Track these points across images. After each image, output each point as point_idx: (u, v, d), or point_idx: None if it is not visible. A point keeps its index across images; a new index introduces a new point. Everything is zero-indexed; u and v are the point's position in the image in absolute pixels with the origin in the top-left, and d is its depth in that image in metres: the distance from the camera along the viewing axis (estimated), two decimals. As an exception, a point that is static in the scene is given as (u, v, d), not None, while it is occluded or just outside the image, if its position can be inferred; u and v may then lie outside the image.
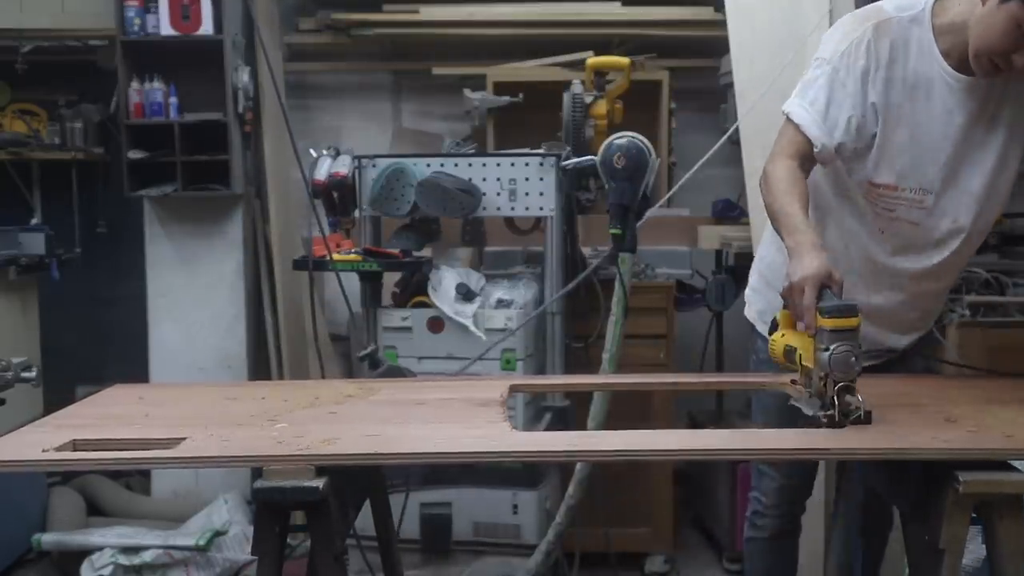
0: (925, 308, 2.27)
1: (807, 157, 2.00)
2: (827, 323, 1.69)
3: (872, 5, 2.07)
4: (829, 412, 1.70)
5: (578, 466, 2.91)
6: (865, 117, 1.99)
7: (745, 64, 3.43)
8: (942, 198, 2.06)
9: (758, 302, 2.33)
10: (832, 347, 1.68)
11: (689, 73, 4.19)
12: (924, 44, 1.98)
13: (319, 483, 1.57)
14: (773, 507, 2.38)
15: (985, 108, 2.00)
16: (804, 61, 3.34)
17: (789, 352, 1.83)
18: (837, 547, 2.37)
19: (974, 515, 1.67)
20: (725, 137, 3.37)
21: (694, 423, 3.97)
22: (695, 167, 3.28)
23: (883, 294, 2.15)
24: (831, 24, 3.35)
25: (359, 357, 3.01)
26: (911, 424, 1.76)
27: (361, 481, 2.10)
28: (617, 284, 3.02)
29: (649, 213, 3.24)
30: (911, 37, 1.98)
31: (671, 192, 3.62)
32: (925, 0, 1.99)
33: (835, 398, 1.70)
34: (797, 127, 2.00)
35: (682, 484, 3.91)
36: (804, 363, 1.78)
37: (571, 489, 2.88)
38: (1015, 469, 1.62)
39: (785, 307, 1.84)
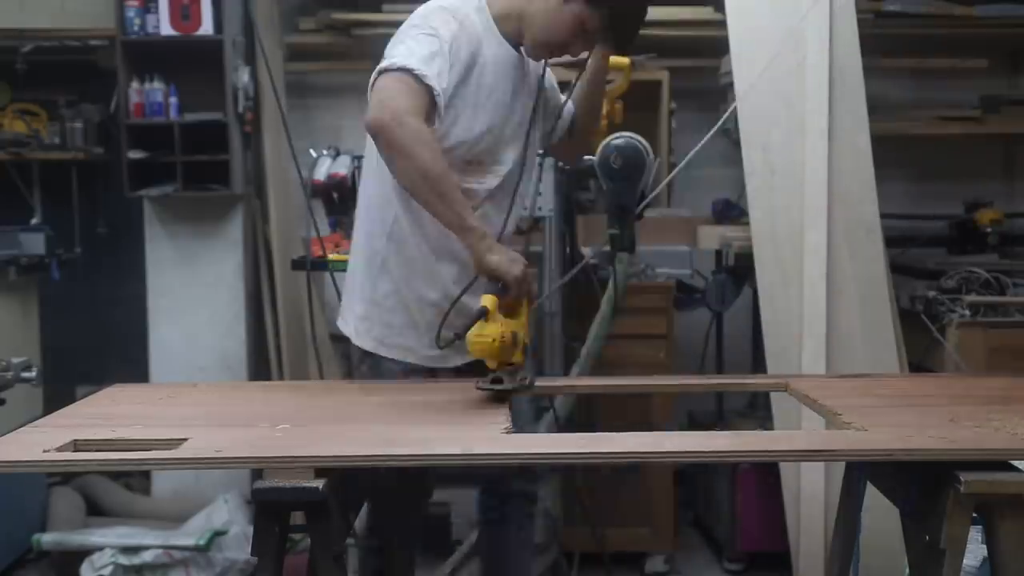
0: None
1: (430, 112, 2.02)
2: None
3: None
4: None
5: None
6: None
7: (744, 64, 3.43)
8: None
9: (374, 328, 2.23)
10: None
11: (689, 73, 4.18)
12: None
13: (319, 484, 1.56)
14: None
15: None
16: (802, 59, 3.36)
17: (514, 338, 1.92)
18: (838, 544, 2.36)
19: (975, 515, 1.68)
20: (714, 129, 3.37)
21: (695, 423, 3.98)
22: (681, 164, 3.28)
23: None
24: (832, 24, 3.38)
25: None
26: (914, 424, 1.77)
27: (361, 482, 2.10)
28: (610, 283, 3.02)
29: (648, 213, 3.25)
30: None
31: (655, 192, 3.61)
32: None
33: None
34: (414, 76, 1.96)
35: (683, 484, 3.90)
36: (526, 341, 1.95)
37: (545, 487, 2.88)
38: (1016, 469, 1.63)
39: (499, 297, 1.94)
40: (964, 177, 4.48)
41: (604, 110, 3.54)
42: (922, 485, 1.72)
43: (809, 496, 3.11)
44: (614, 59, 3.68)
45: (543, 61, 2.23)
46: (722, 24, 3.54)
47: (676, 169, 3.35)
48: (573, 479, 3.28)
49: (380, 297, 2.20)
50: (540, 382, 2.09)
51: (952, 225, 4.24)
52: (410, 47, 2.00)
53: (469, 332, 1.89)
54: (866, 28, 3.58)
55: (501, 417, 1.79)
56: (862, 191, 3.35)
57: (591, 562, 3.35)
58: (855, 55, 3.41)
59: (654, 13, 3.99)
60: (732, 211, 3.86)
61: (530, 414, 3.06)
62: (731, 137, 3.59)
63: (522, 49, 2.19)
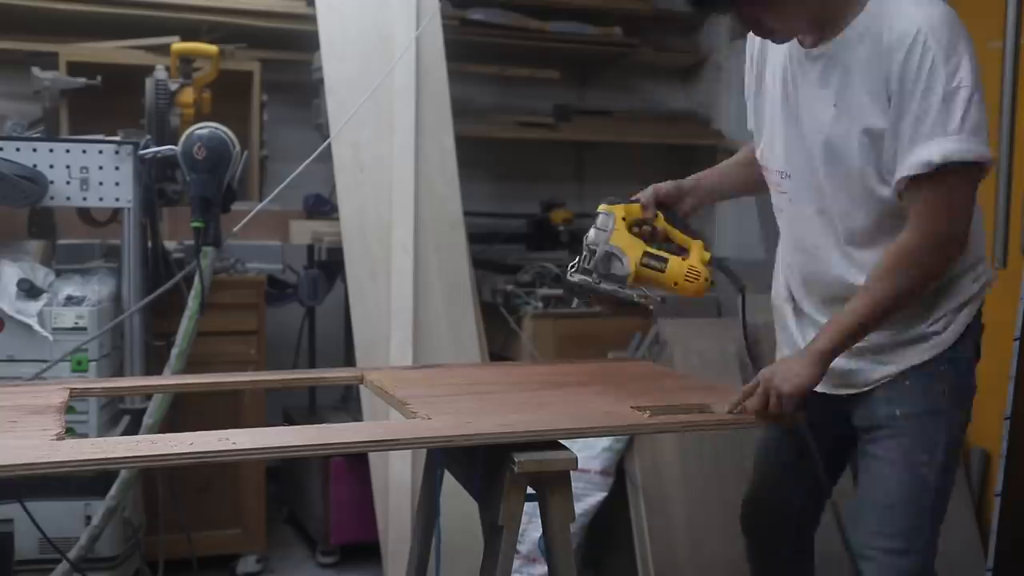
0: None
1: None
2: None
3: None
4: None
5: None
6: None
7: (335, 61, 3.46)
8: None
9: None
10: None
11: (282, 65, 4.14)
12: None
13: None
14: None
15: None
16: (392, 60, 3.45)
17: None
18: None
19: (532, 493, 1.81)
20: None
21: (289, 419, 3.95)
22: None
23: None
24: (418, 26, 3.50)
25: None
26: (476, 411, 1.87)
27: None
28: (197, 278, 2.92)
29: (239, 207, 3.17)
30: None
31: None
32: None
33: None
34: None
35: (276, 481, 3.87)
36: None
37: (113, 491, 2.74)
38: (564, 448, 1.78)
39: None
40: (541, 179, 4.83)
41: (191, 98, 3.44)
42: (486, 469, 1.83)
43: (397, 485, 3.20)
44: (201, 46, 3.61)
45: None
46: (314, 19, 3.54)
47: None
48: (155, 484, 3.12)
49: None
50: (104, 384, 1.96)
51: (530, 223, 4.56)
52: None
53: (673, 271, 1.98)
54: (452, 34, 3.75)
55: (56, 423, 1.66)
56: (447, 189, 3.51)
57: (179, 569, 3.21)
58: (440, 58, 3.56)
59: (246, 3, 3.93)
60: (324, 206, 3.87)
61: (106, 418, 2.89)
62: (323, 132, 3.60)
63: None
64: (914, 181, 1.74)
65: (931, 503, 1.88)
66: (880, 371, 1.91)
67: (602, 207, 2.02)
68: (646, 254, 1.99)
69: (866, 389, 1.94)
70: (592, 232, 1.99)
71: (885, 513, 1.88)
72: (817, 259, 1.96)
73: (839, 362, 1.88)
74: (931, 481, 1.87)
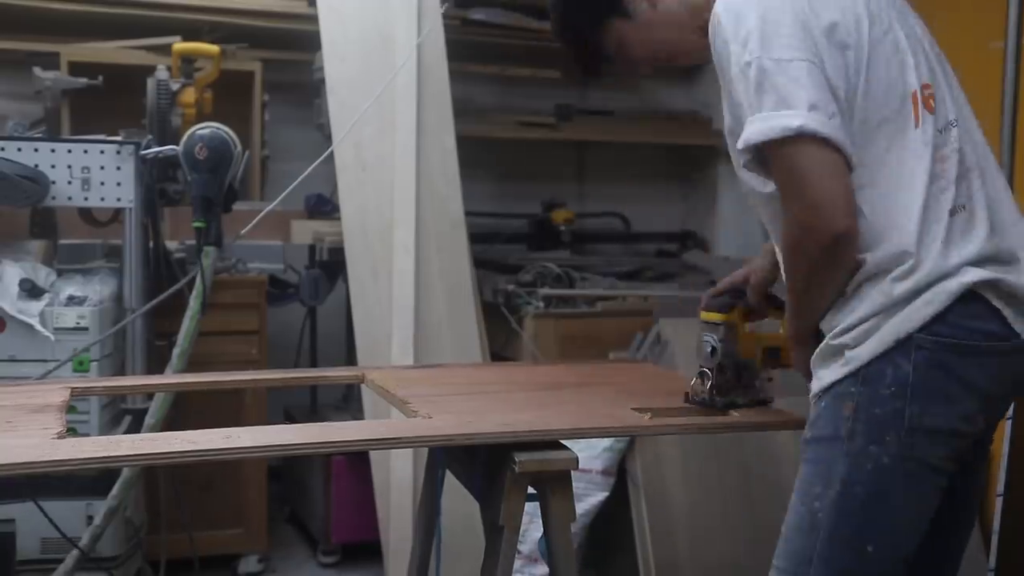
0: None
1: None
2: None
3: None
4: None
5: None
6: None
7: (336, 61, 3.47)
8: None
9: None
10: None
11: (283, 65, 4.14)
12: None
13: None
14: None
15: None
16: (393, 59, 3.45)
17: None
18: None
19: (534, 492, 1.81)
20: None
21: (291, 418, 3.95)
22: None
23: None
24: (419, 26, 3.50)
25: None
26: (477, 410, 1.87)
27: None
28: (198, 278, 2.93)
29: (240, 207, 3.18)
30: None
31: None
32: None
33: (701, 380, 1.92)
34: None
35: (278, 480, 3.87)
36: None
37: (115, 490, 2.74)
38: (565, 448, 1.78)
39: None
40: (542, 179, 4.83)
41: (192, 98, 3.45)
42: (487, 468, 1.84)
43: (399, 485, 3.20)
44: (203, 46, 3.61)
45: None
46: (316, 19, 3.54)
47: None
48: (157, 483, 3.13)
49: None
50: (105, 383, 1.96)
51: (531, 223, 4.57)
52: None
53: None
54: (453, 34, 3.76)
55: (57, 422, 1.66)
56: (448, 189, 3.51)
57: (180, 569, 3.22)
58: (441, 58, 3.56)
59: (247, 3, 3.94)
60: (325, 206, 3.87)
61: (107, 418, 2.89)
62: (324, 132, 3.61)
63: None
64: (753, 169, 1.61)
65: (819, 545, 1.57)
66: (812, 388, 1.67)
67: (716, 316, 1.90)
68: (765, 352, 1.93)
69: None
70: (720, 346, 1.88)
71: (780, 543, 1.65)
72: None
73: None
74: (821, 519, 1.57)
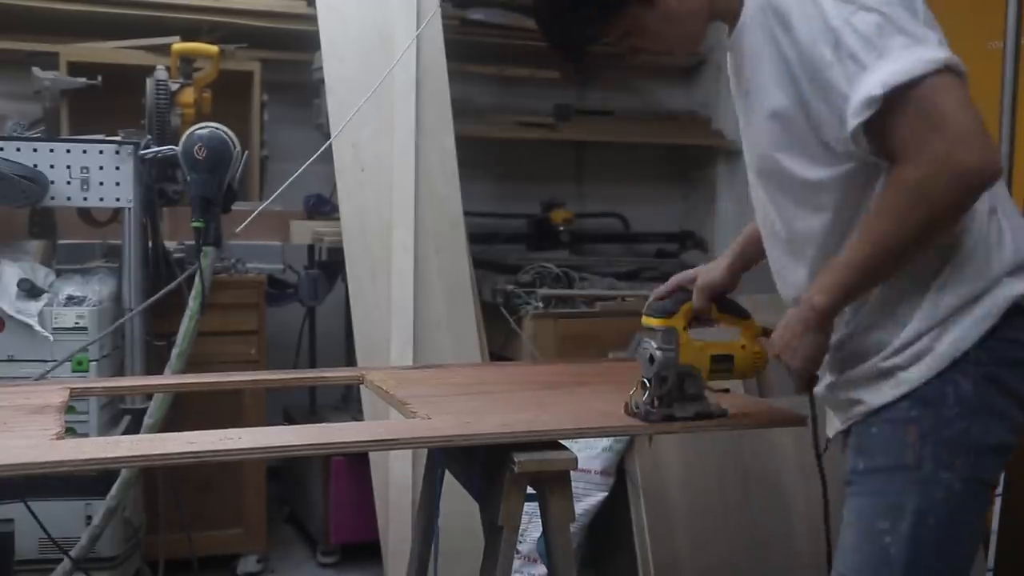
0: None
1: None
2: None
3: None
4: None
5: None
6: None
7: (335, 61, 3.46)
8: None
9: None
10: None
11: (282, 65, 4.14)
12: None
13: None
14: None
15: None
16: (392, 59, 3.45)
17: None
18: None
19: (533, 493, 1.81)
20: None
21: (290, 419, 3.95)
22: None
23: None
24: (418, 27, 3.50)
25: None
26: (476, 411, 1.87)
27: None
28: (197, 278, 2.93)
29: (239, 207, 3.17)
30: None
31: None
32: None
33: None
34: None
35: (277, 480, 3.87)
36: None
37: (113, 491, 2.74)
38: (564, 448, 1.78)
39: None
40: (541, 179, 4.83)
41: (192, 98, 3.45)
42: (486, 468, 1.83)
43: (398, 485, 3.20)
44: (202, 46, 3.61)
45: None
46: (315, 19, 3.54)
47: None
48: (155, 483, 3.13)
49: None
50: (104, 383, 1.96)
51: (530, 223, 4.56)
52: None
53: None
54: (452, 34, 3.76)
55: (56, 423, 1.66)
56: (447, 189, 3.51)
57: (179, 569, 3.22)
58: (440, 58, 3.56)
59: (245, 3, 3.94)
60: (324, 206, 3.87)
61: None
62: (323, 132, 3.60)
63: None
64: (874, 124, 1.41)
65: None
66: (855, 410, 1.58)
67: (656, 321, 1.79)
68: (713, 360, 1.80)
69: (844, 427, 1.63)
70: (659, 354, 1.76)
71: None
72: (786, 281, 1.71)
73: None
74: (894, 555, 1.47)
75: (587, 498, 3.02)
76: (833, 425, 1.69)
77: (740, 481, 3.01)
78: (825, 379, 1.65)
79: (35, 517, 2.59)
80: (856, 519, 1.53)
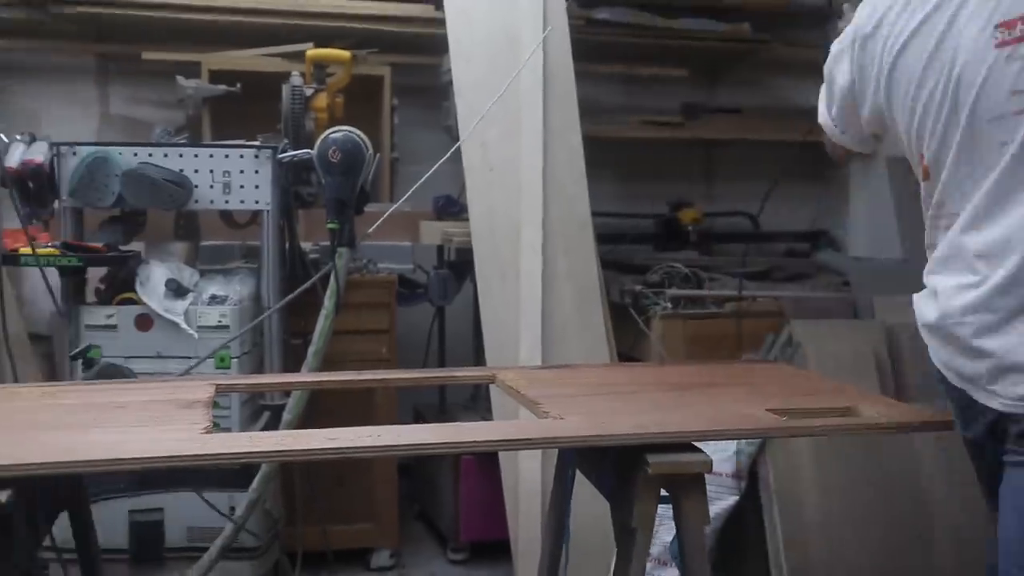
0: None
1: None
2: None
3: None
4: None
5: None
6: None
7: (462, 63, 3.50)
8: None
9: None
10: None
11: (412, 69, 4.21)
12: None
13: (2, 496, 1.45)
14: None
15: None
16: (519, 61, 3.47)
17: None
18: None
19: (666, 495, 1.79)
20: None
21: (420, 417, 4.01)
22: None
23: None
24: (544, 27, 3.51)
25: (71, 356, 2.83)
26: (608, 411, 1.86)
27: (54, 492, 1.96)
28: (332, 278, 3.00)
29: (371, 208, 3.25)
30: None
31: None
32: None
33: None
34: None
35: (407, 477, 3.93)
36: None
37: (255, 483, 2.83)
38: (699, 450, 1.75)
39: None
40: (668, 178, 4.78)
41: (325, 103, 3.54)
42: (618, 469, 1.82)
43: (527, 484, 3.21)
44: (335, 52, 3.70)
45: None
46: (443, 22, 3.59)
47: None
48: (292, 478, 3.22)
49: None
50: (247, 380, 2.03)
51: (658, 223, 4.52)
52: None
53: None
54: (578, 34, 3.75)
55: (204, 417, 1.73)
56: (575, 189, 3.50)
57: (315, 561, 3.31)
58: (567, 58, 3.56)
59: (375, 8, 4.03)
60: (453, 207, 3.92)
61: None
62: (452, 134, 3.65)
63: None
64: None
65: None
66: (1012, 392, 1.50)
67: None
68: None
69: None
70: None
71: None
72: None
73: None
74: None
75: (718, 501, 2.97)
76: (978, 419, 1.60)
77: (877, 485, 2.92)
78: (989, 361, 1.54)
79: (210, 504, 2.66)
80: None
